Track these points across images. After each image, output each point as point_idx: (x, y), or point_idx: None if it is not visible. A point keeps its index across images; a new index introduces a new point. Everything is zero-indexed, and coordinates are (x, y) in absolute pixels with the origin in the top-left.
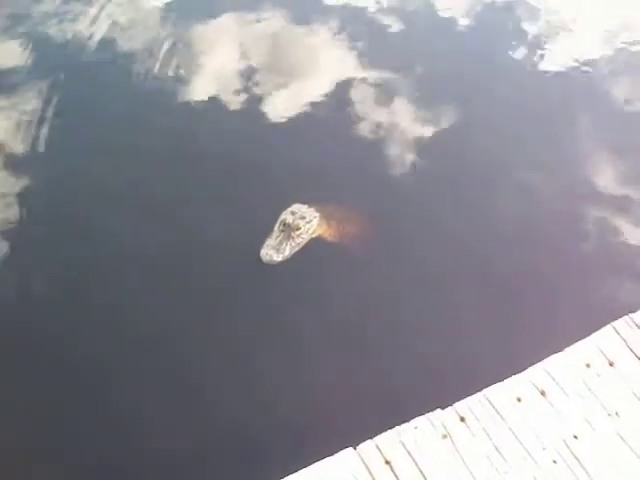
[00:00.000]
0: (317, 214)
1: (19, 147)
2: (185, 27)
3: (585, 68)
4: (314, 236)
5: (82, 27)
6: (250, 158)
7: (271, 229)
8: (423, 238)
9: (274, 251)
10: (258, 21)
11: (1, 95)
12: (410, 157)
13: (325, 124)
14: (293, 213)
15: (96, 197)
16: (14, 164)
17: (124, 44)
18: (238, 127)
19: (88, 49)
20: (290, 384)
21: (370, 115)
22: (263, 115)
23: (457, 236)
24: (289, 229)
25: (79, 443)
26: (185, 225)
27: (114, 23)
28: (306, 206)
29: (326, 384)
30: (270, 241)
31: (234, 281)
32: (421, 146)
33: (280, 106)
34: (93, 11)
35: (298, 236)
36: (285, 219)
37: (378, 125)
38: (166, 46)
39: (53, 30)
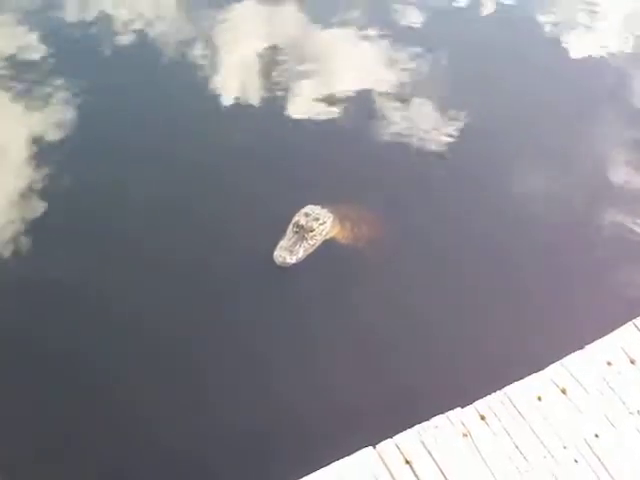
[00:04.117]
0: (331, 215)
1: (45, 144)
2: (208, 21)
3: (610, 59)
4: (327, 238)
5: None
6: (266, 156)
7: (284, 230)
8: (439, 239)
9: (287, 253)
10: (282, 15)
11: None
12: (429, 158)
13: (344, 124)
14: (307, 215)
15: (113, 196)
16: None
17: (145, 35)
18: (256, 125)
19: (110, 42)
20: (308, 384)
21: (391, 115)
22: (282, 113)
23: (475, 236)
24: (302, 231)
25: (80, 443)
26: (197, 225)
27: (138, 13)
28: (319, 207)
29: (345, 383)
30: (283, 243)
31: (246, 283)
32: (441, 147)
33: (300, 104)
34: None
35: (311, 238)
36: (298, 221)
37: (398, 125)
38: (188, 40)
39: (74, 23)
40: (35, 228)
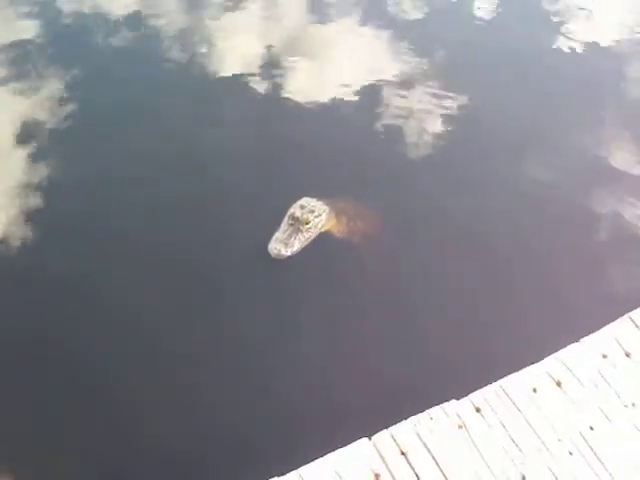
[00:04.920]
0: (327, 208)
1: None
2: (208, 11)
3: (607, 51)
4: (323, 231)
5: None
6: (263, 148)
7: (279, 223)
8: (436, 235)
9: (283, 245)
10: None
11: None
12: (427, 153)
13: (341, 116)
14: (302, 207)
15: (108, 190)
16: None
17: (144, 27)
18: (253, 117)
19: (109, 32)
20: (303, 375)
21: (388, 108)
22: (279, 105)
23: (472, 232)
24: (298, 223)
25: (80, 443)
26: (192, 217)
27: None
28: (315, 199)
29: (340, 374)
30: (278, 235)
31: (241, 276)
32: (439, 142)
33: (296, 96)
34: None
35: (307, 230)
36: (294, 213)
37: (396, 118)
38: (187, 31)
39: (75, 9)
40: (34, 227)
